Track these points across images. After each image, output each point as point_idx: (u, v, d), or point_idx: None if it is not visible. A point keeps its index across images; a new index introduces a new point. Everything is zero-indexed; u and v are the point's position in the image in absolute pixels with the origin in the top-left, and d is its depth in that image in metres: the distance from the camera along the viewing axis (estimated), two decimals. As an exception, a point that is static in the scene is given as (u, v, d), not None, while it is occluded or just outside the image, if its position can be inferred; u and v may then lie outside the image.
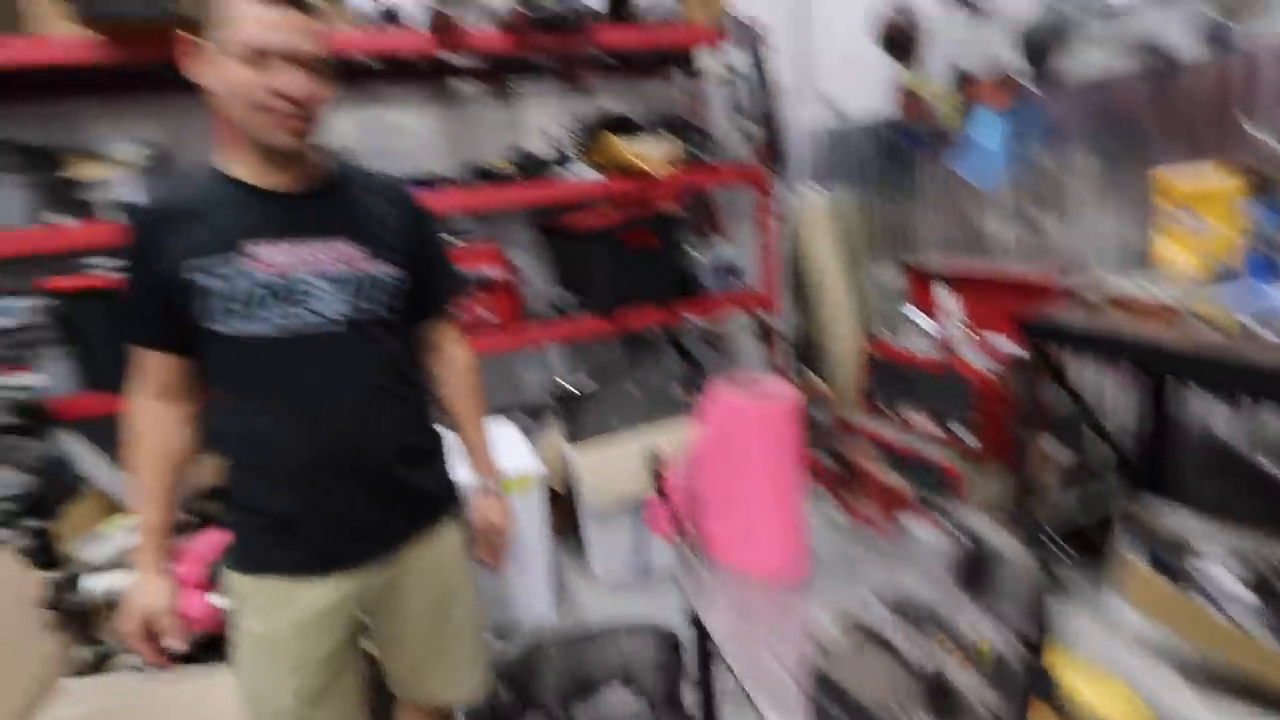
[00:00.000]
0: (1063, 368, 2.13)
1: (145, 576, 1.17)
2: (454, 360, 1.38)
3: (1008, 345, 2.69)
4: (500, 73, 3.11)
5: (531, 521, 2.39)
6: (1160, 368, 1.80)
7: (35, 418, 2.15)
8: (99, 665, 1.79)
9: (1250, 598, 1.12)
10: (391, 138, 2.99)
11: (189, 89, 2.65)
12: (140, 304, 1.13)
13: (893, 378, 2.97)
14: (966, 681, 0.57)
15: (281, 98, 1.03)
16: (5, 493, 2.00)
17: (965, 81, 2.74)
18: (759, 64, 2.78)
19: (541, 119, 3.28)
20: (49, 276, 2.23)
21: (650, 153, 2.79)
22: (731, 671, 1.06)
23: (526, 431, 2.76)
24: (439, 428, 1.34)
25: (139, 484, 1.17)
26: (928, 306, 3.08)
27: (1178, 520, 1.26)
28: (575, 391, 2.70)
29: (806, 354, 3.86)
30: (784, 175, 3.16)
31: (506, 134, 3.23)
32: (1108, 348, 1.64)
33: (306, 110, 1.07)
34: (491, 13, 2.53)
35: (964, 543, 0.59)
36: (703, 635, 1.33)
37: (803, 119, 3.71)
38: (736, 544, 1.25)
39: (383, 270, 1.17)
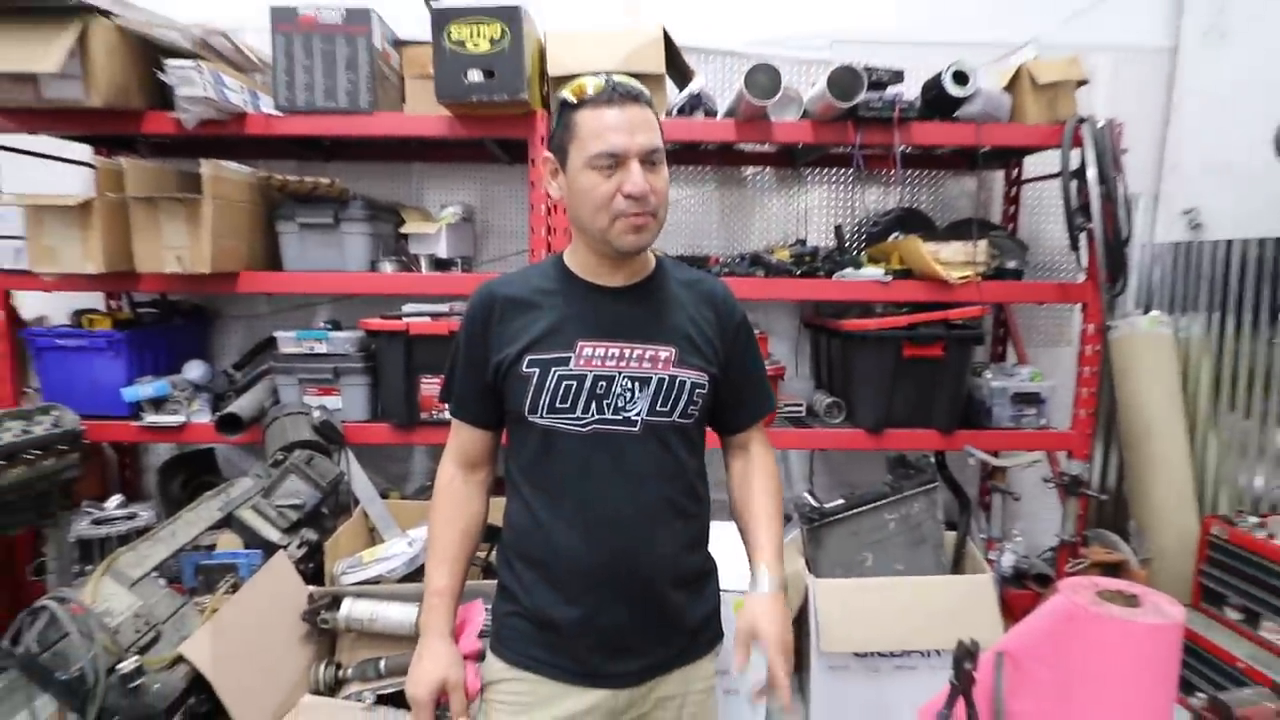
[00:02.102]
0: None
1: (435, 643, 1.26)
2: (757, 463, 1.39)
3: None
4: (791, 159, 3.21)
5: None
6: None
7: (331, 438, 2.55)
8: (334, 689, 2.02)
9: None
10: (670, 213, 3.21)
11: (495, 159, 3.09)
12: (466, 380, 1.27)
13: (1250, 579, 2.44)
14: None
15: (629, 199, 1.12)
16: (293, 501, 2.36)
17: None
18: (1106, 169, 2.54)
19: (828, 208, 3.31)
20: (369, 315, 2.68)
21: (948, 256, 2.66)
22: None
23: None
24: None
25: (435, 546, 1.30)
26: (1313, 492, 2.51)
27: None
28: (824, 511, 2.58)
29: (1115, 517, 3.34)
30: (1117, 297, 2.82)
31: (790, 222, 3.30)
32: None
33: (650, 206, 1.15)
34: (799, 102, 2.63)
35: None
36: None
37: (1149, 233, 3.33)
38: (1060, 784, 1.06)
39: (687, 374, 1.21)
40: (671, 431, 1.21)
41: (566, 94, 1.17)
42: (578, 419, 1.16)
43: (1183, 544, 2.86)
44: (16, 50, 2.22)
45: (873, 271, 2.70)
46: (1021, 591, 2.85)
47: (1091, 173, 2.57)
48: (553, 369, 1.16)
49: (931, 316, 2.65)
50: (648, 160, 1.14)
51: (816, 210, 3.31)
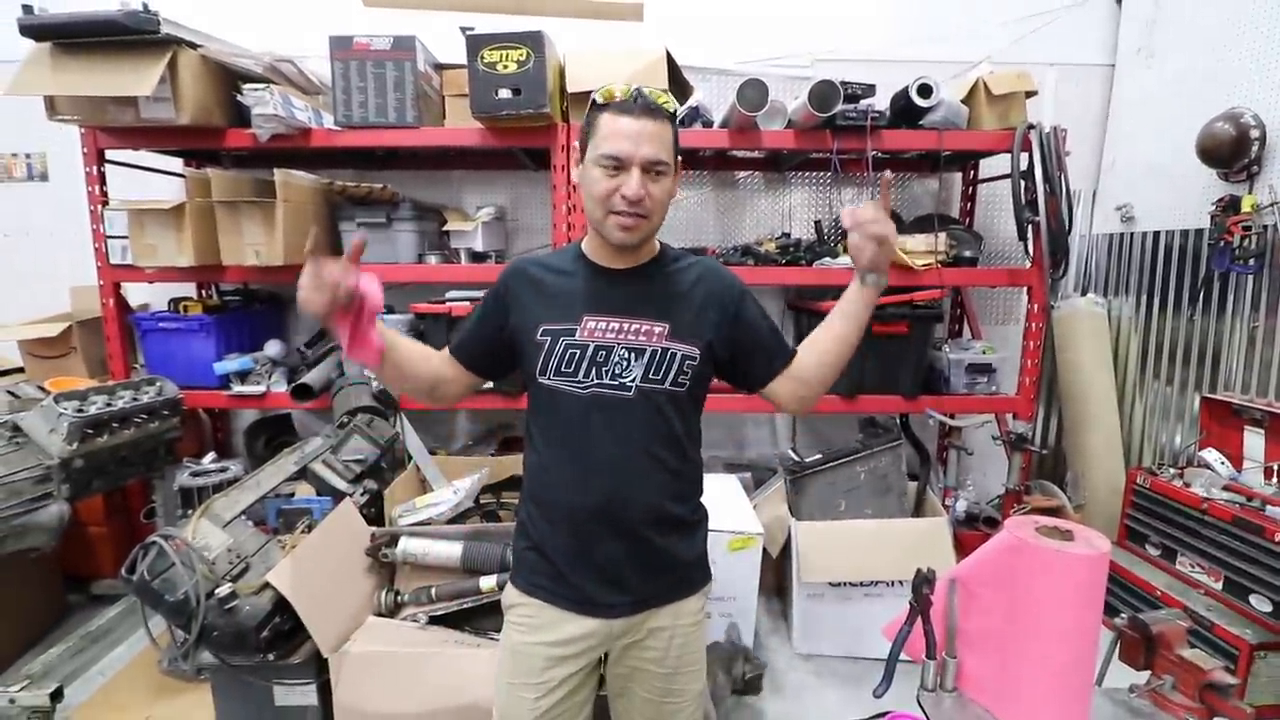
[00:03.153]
0: None
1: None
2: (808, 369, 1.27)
3: (1341, 513, 2.07)
4: (777, 163, 3.17)
5: (747, 579, 2.31)
6: None
7: (387, 404, 2.56)
8: (393, 611, 2.05)
9: None
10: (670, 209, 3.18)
11: (523, 166, 3.06)
12: (476, 331, 1.27)
13: (1168, 521, 2.43)
14: None
15: (625, 200, 1.10)
16: (357, 457, 2.38)
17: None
18: (1051, 170, 2.49)
19: (809, 206, 3.27)
20: (418, 301, 2.69)
21: (913, 246, 2.63)
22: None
23: (748, 492, 2.70)
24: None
25: (415, 355, 1.25)
26: (1224, 446, 2.49)
27: None
28: (804, 464, 2.58)
29: (1054, 469, 3.33)
30: (1059, 281, 2.79)
31: (775, 218, 3.27)
32: None
33: (643, 210, 1.12)
34: (784, 113, 2.59)
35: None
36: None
37: (1087, 225, 3.28)
38: (1002, 690, 1.06)
39: (677, 347, 1.18)
40: (663, 397, 1.18)
41: (597, 95, 1.14)
42: (579, 382, 1.15)
43: (1112, 492, 2.85)
44: (118, 78, 2.22)
45: (848, 260, 2.67)
46: (972, 532, 2.84)
47: (1038, 172, 2.52)
48: (561, 338, 1.16)
49: (898, 299, 2.63)
50: (650, 169, 1.11)
51: (799, 208, 3.27)
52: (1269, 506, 2.16)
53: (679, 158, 1.18)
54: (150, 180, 2.93)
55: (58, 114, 2.39)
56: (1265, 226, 2.40)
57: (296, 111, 2.45)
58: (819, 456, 2.60)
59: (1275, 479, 2.30)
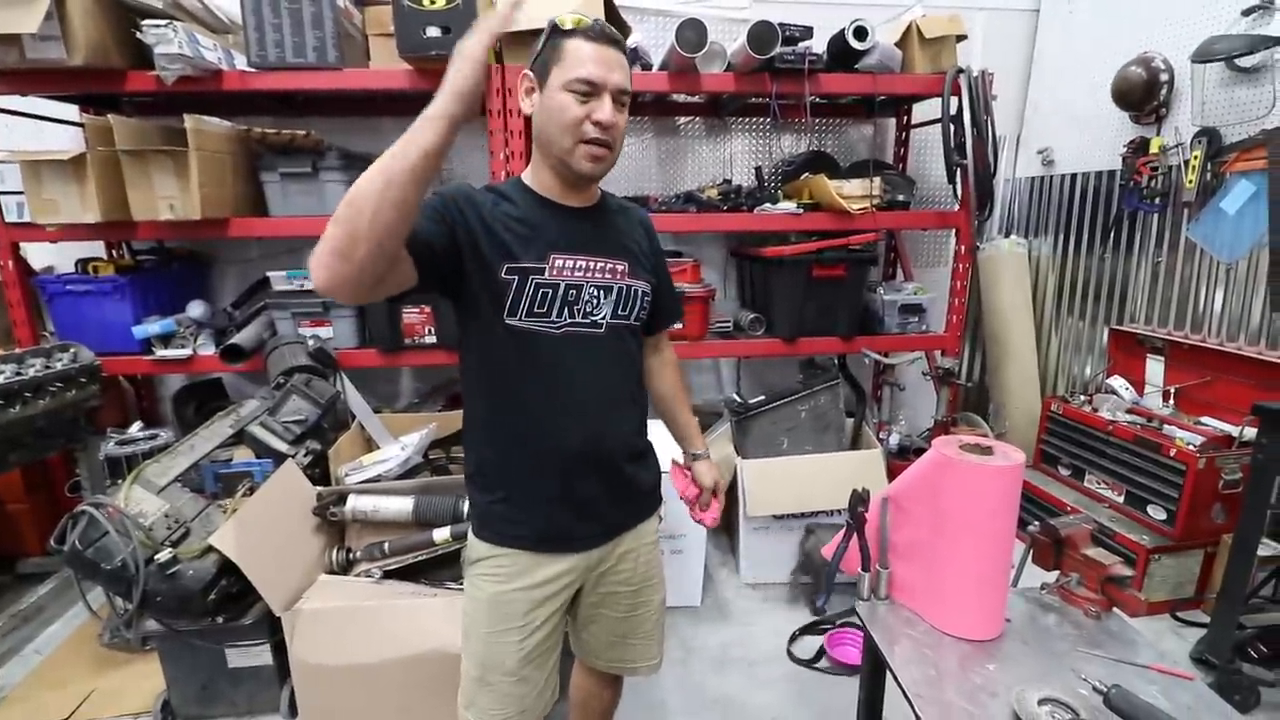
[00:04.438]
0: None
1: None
2: (667, 358, 1.48)
3: (1223, 428, 2.29)
4: (718, 109, 3.14)
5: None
6: None
7: (325, 363, 2.48)
8: (345, 569, 2.04)
9: None
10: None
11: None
12: (428, 230, 1.03)
13: (1078, 443, 2.63)
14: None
15: (598, 127, 1.08)
16: (296, 417, 2.31)
17: (1215, 144, 2.36)
18: (978, 114, 2.56)
19: (750, 153, 3.27)
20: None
21: (850, 191, 2.68)
22: (918, 716, 0.98)
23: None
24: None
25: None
26: (1130, 374, 2.70)
27: None
28: (748, 406, 2.66)
29: (979, 402, 3.54)
30: (984, 223, 2.90)
31: (716, 165, 3.26)
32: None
33: (610, 138, 1.10)
34: (723, 56, 2.56)
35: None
36: (877, 669, 1.25)
37: (1010, 168, 3.40)
38: (929, 593, 1.16)
39: (638, 284, 1.21)
40: (627, 332, 1.22)
41: (559, 21, 1.10)
42: (554, 322, 1.14)
43: (1029, 419, 3.06)
44: (-2, 13, 1.99)
45: (787, 206, 2.71)
46: (905, 463, 3.01)
47: (967, 116, 2.59)
48: (530, 277, 1.11)
49: (835, 244, 2.69)
50: (618, 99, 1.10)
51: (740, 155, 3.27)
52: (1166, 426, 2.37)
53: None
54: (44, 130, 2.68)
55: (-74, 54, 2.13)
56: (1170, 167, 2.56)
57: (205, 51, 2.26)
58: (762, 398, 2.68)
59: (1172, 401, 2.52)
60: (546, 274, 1.13)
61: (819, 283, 2.72)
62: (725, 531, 2.89)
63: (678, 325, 1.43)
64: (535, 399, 1.16)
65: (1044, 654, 1.12)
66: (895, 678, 1.06)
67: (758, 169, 3.14)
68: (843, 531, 1.25)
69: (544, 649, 1.24)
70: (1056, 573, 1.30)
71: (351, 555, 2.02)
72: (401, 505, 2.01)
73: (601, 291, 1.17)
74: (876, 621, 1.19)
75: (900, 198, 2.84)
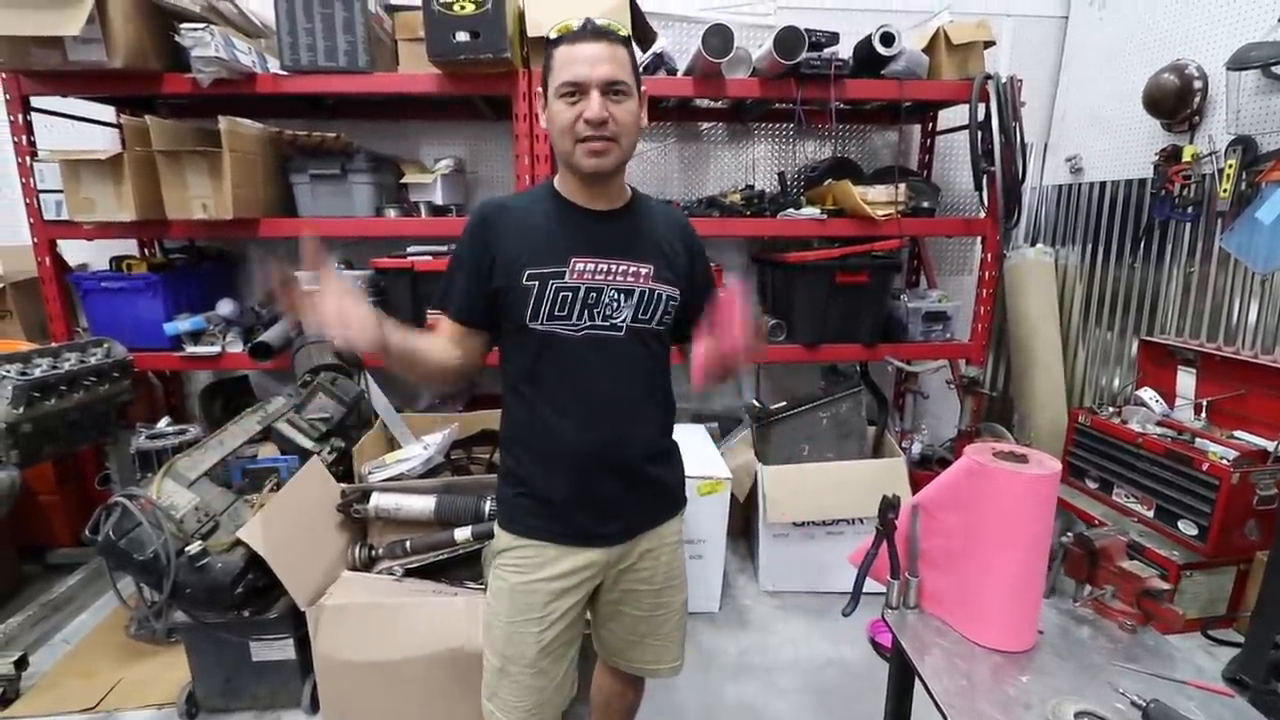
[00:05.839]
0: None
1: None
2: None
3: (1258, 442, 2.24)
4: (741, 114, 3.14)
5: (715, 521, 2.39)
6: None
7: (350, 362, 2.51)
8: (368, 566, 2.05)
9: None
10: (634, 163, 3.13)
11: (483, 116, 2.93)
12: (471, 286, 1.18)
13: (1106, 455, 2.59)
14: None
15: (587, 123, 1.08)
16: (322, 415, 2.34)
17: (1251, 152, 2.31)
18: (1007, 120, 2.54)
19: (772, 158, 3.27)
20: (377, 256, 2.61)
21: (874, 197, 2.66)
22: (946, 729, 0.96)
23: (715, 442, 2.77)
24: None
25: (421, 349, 1.17)
26: (1159, 386, 2.64)
27: None
28: (769, 412, 2.64)
29: (1003, 412, 3.49)
30: (1011, 231, 2.87)
31: (740, 170, 3.26)
32: None
33: (609, 131, 1.09)
34: (748, 61, 2.56)
35: None
36: (904, 677, 1.23)
37: (1039, 176, 3.37)
38: (960, 603, 1.14)
39: (662, 288, 1.21)
40: (649, 336, 1.21)
41: (551, 32, 1.12)
42: (573, 325, 1.15)
43: (1055, 431, 3.01)
44: (42, 16, 2.06)
45: (811, 211, 2.70)
46: (927, 473, 2.98)
47: (995, 123, 2.57)
48: (550, 282, 1.13)
49: (859, 250, 2.68)
50: (610, 90, 1.09)
51: (763, 160, 3.27)
52: (1198, 439, 2.32)
53: (641, 84, 1.16)
54: (82, 131, 2.74)
55: (-26, 57, 2.20)
56: (1204, 175, 2.51)
57: (240, 54, 2.31)
58: (783, 404, 2.66)
59: (1204, 414, 2.47)
60: (567, 277, 1.14)
61: (842, 289, 2.70)
62: (744, 537, 2.87)
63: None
64: (555, 400, 1.18)
65: (1079, 667, 1.09)
66: (926, 687, 1.05)
67: (781, 174, 3.14)
68: (870, 538, 1.23)
69: (562, 642, 1.25)
70: (1088, 586, 1.28)
71: (374, 552, 2.04)
72: (424, 504, 2.02)
73: (622, 295, 1.17)
74: (906, 630, 1.17)
75: (925, 204, 2.82)
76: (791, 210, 2.73)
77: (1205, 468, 2.19)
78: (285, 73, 2.39)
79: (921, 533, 1.20)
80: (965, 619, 1.14)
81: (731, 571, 2.70)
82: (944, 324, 2.91)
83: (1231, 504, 2.14)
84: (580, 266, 1.15)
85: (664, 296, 1.21)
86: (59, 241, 2.55)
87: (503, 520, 1.28)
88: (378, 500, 2.03)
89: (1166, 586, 1.18)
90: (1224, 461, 2.15)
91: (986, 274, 2.82)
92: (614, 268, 1.17)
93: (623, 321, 1.17)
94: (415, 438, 2.49)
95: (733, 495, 2.46)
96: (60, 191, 2.37)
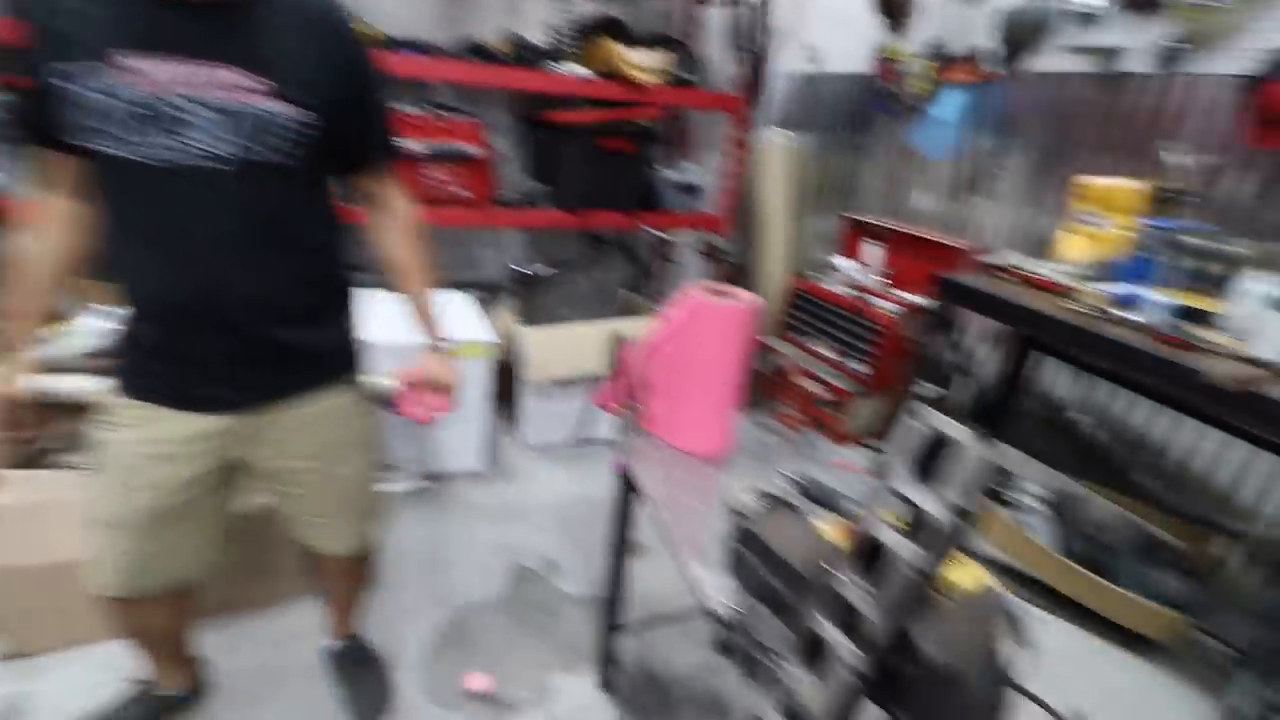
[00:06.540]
0: (955, 323, 2.28)
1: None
2: (394, 213, 1.19)
3: (916, 299, 2.84)
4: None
5: (476, 384, 2.41)
6: (1029, 329, 1.92)
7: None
8: (33, 461, 1.71)
9: (1047, 516, 1.30)
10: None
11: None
12: (30, 97, 0.92)
13: (810, 312, 3.08)
14: (890, 537, 0.63)
15: None
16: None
17: (941, 57, 2.73)
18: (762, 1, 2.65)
19: (541, 10, 3.05)
20: None
21: (642, 62, 2.66)
22: (660, 522, 1.15)
23: (479, 307, 2.73)
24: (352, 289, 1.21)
25: (29, 274, 1.05)
26: (855, 255, 3.17)
27: (1007, 457, 1.43)
28: (531, 277, 2.66)
29: (741, 278, 3.93)
30: (758, 112, 3.10)
31: (505, 18, 2.99)
32: (995, 309, 1.74)
33: None
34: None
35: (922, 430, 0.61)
36: (629, 491, 1.41)
37: (784, 63, 3.62)
38: (675, 422, 1.32)
39: (281, 110, 0.95)
40: (271, 173, 0.97)
41: None
42: (138, 146, 0.91)
43: (780, 294, 3.48)
44: None
45: (579, 69, 2.62)
46: (677, 334, 3.29)
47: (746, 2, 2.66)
48: (95, 86, 0.88)
49: (622, 115, 2.69)
50: None
51: (536, 10, 3.03)
52: (873, 298, 2.86)
53: None
54: None
55: None
56: (909, 74, 2.92)
57: None
58: (544, 269, 2.69)
59: (885, 279, 3.03)
60: (113, 79, 0.88)
61: (605, 155, 2.72)
62: (507, 400, 2.95)
63: (388, 167, 1.18)
64: (132, 238, 1.00)
65: (762, 464, 1.36)
66: (642, 489, 1.22)
67: (552, 27, 2.95)
68: (610, 377, 1.35)
69: (185, 513, 1.13)
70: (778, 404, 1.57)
71: (41, 443, 1.70)
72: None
73: (217, 114, 0.92)
74: (630, 446, 1.33)
75: (687, 75, 2.89)
76: (560, 65, 2.62)
77: (873, 316, 2.72)
78: None
79: (647, 366, 1.34)
80: (676, 431, 1.34)
81: (498, 434, 2.78)
82: (697, 196, 3.11)
83: (889, 344, 2.71)
84: (138, 66, 0.89)
85: (286, 121, 0.96)
86: None
87: (110, 374, 1.11)
88: (32, 383, 1.67)
89: (829, 397, 1.49)
90: (887, 311, 2.70)
91: (735, 151, 3.04)
92: (198, 74, 0.90)
93: (226, 152, 0.94)
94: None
95: (498, 360, 2.48)
96: None
